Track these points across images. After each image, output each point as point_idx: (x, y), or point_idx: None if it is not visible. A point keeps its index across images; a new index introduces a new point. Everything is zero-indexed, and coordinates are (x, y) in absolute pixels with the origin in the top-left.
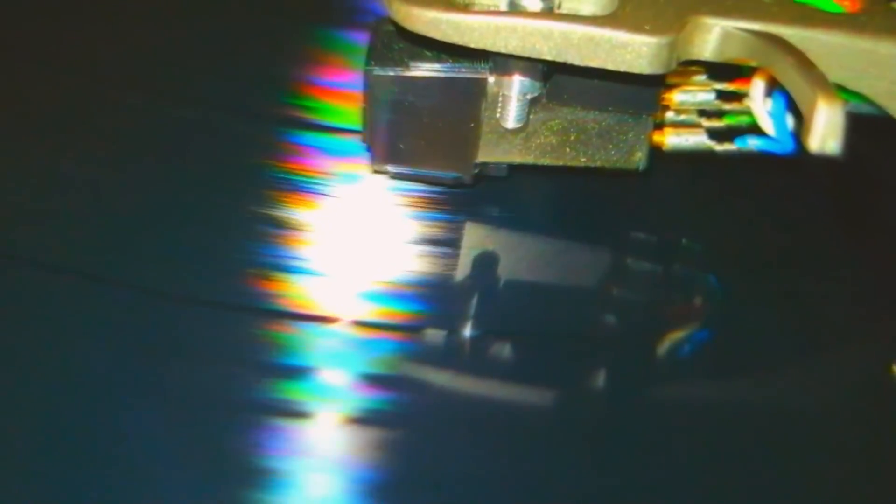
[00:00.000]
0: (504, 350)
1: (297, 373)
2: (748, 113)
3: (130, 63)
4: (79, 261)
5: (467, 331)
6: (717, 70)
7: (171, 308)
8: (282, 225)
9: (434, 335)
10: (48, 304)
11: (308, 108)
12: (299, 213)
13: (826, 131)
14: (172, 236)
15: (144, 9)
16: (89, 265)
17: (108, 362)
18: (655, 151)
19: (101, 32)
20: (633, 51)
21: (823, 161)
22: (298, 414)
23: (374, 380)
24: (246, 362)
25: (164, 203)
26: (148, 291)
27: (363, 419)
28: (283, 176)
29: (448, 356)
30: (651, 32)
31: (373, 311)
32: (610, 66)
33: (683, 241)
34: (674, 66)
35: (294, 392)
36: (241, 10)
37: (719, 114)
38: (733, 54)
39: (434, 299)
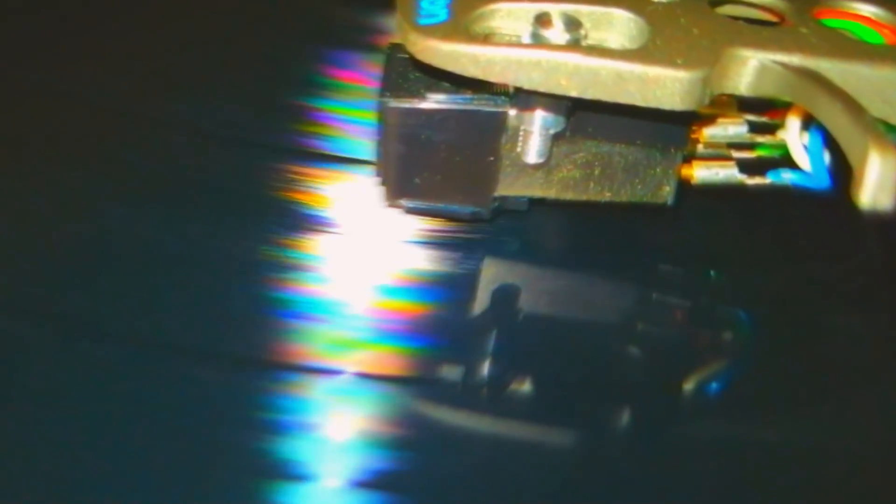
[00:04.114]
0: (524, 389)
1: (301, 430)
2: (781, 145)
3: (129, 90)
4: (62, 306)
5: (485, 371)
6: (750, 100)
7: (159, 360)
8: (288, 266)
9: (450, 378)
10: (34, 356)
11: (318, 137)
12: (307, 249)
13: (879, 186)
14: (166, 281)
15: (144, 34)
16: (72, 311)
17: (99, 417)
18: (683, 184)
19: (98, 61)
20: (665, 87)
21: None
22: (301, 476)
23: (384, 436)
24: (245, 418)
25: (156, 244)
26: (139, 342)
27: (374, 480)
28: (290, 210)
29: (466, 399)
30: (683, 67)
31: (385, 355)
32: (640, 103)
33: (711, 274)
34: (707, 101)
35: (296, 451)
36: (246, 32)
37: (751, 146)
38: (770, 90)
39: (451, 338)
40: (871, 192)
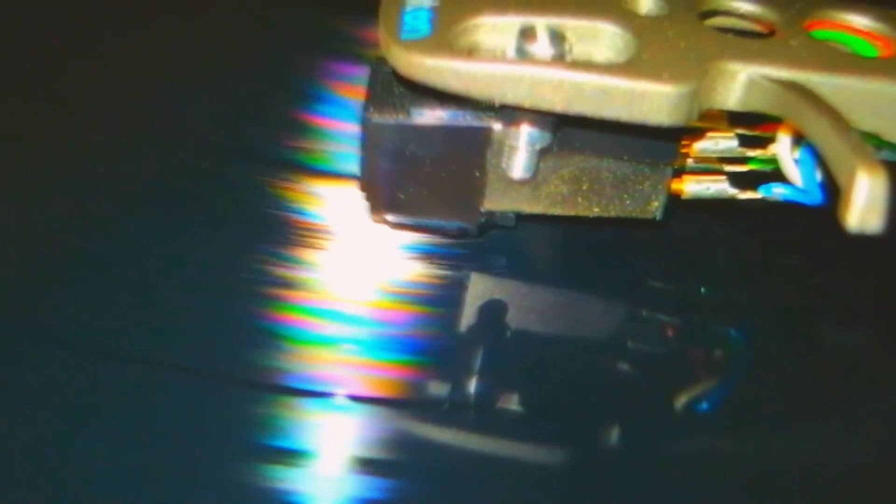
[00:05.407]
0: (513, 408)
1: (289, 455)
2: (773, 160)
3: (119, 99)
4: (52, 323)
5: (472, 390)
6: (741, 113)
7: (143, 377)
8: (273, 282)
9: (437, 397)
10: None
11: (309, 149)
12: (293, 264)
13: (867, 207)
14: (150, 295)
15: (137, 48)
16: (56, 323)
17: (89, 436)
18: (674, 199)
19: (89, 67)
20: (652, 102)
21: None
22: (289, 502)
23: (372, 461)
24: (234, 441)
25: (142, 256)
26: (127, 358)
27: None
28: (276, 224)
29: (453, 418)
30: (670, 81)
31: (372, 373)
32: (626, 118)
33: (702, 290)
34: (695, 116)
35: (285, 477)
36: (241, 43)
37: (742, 159)
38: (759, 105)
39: (437, 356)
40: (858, 214)
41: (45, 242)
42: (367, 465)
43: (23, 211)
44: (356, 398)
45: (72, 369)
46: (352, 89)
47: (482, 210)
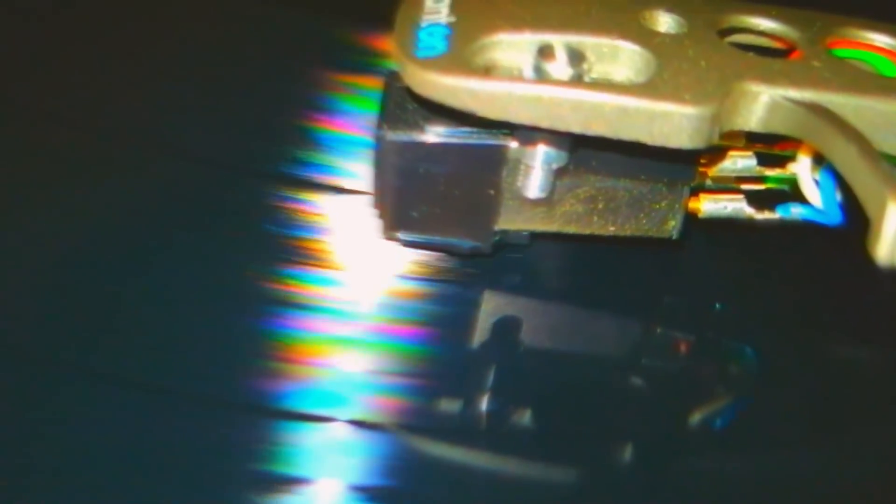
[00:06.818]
0: (525, 425)
1: (290, 483)
2: (791, 179)
3: (122, 116)
4: (43, 344)
5: (485, 407)
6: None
7: (139, 401)
8: (283, 301)
9: (449, 414)
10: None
11: (316, 164)
12: (302, 282)
13: None
14: (149, 315)
15: (141, 60)
16: (53, 348)
17: (82, 461)
18: (690, 217)
19: (90, 83)
20: (672, 124)
21: (865, 227)
22: None
23: (380, 487)
24: (231, 469)
25: (141, 274)
26: (125, 382)
27: None
28: (284, 241)
29: (465, 435)
30: (692, 102)
31: (382, 396)
32: (645, 140)
33: (717, 306)
34: (716, 138)
35: None
36: (243, 54)
37: (761, 178)
38: (781, 127)
39: (450, 373)
40: (889, 248)
41: (42, 256)
42: (375, 491)
43: (18, 225)
44: (363, 421)
45: (63, 390)
46: (363, 101)
47: (496, 229)
